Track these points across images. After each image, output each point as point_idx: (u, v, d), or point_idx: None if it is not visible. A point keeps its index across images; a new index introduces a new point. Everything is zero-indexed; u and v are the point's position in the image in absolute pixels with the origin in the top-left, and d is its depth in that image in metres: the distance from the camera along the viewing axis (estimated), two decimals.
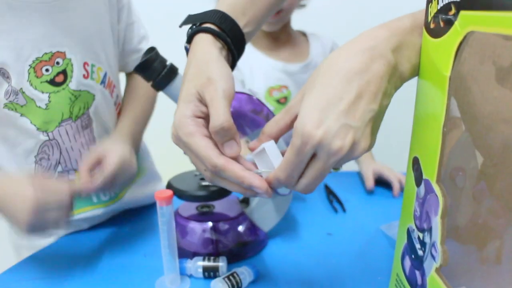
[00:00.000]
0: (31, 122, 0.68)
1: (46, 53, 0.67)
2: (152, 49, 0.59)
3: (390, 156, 1.05)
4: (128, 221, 0.80)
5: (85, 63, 0.72)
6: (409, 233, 0.46)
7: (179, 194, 0.63)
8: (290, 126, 0.44)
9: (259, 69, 1.12)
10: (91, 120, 0.74)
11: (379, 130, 0.42)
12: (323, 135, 0.37)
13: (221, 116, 0.42)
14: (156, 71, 0.58)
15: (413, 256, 0.44)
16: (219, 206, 0.69)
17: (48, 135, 0.70)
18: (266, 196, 0.43)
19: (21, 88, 0.66)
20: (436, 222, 0.38)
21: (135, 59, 0.85)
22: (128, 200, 0.83)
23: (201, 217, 0.67)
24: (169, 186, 0.64)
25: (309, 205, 0.83)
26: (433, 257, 0.39)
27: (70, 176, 0.74)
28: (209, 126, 0.43)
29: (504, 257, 0.39)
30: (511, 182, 0.37)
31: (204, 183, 0.65)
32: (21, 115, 0.67)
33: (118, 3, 0.80)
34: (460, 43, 0.34)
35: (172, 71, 0.59)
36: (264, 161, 0.45)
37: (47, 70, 0.68)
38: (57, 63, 0.68)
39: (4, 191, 0.60)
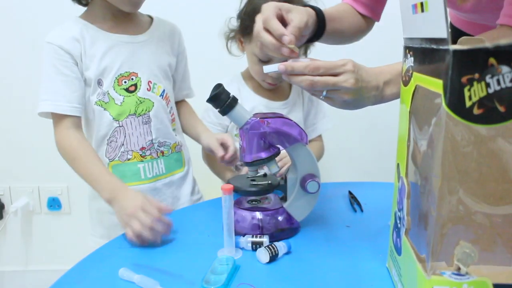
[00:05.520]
0: (109, 114, 1.10)
1: (126, 71, 1.11)
2: (219, 85, 0.84)
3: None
4: (194, 215, 1.05)
5: (149, 81, 1.14)
6: (395, 214, 0.67)
7: (236, 189, 0.86)
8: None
9: (247, 104, 1.31)
10: (150, 119, 1.14)
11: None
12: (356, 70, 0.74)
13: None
14: (222, 101, 0.82)
15: (396, 229, 0.66)
16: (264, 200, 0.92)
17: (119, 123, 1.11)
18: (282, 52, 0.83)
19: (107, 91, 1.09)
20: (404, 202, 0.60)
21: (184, 94, 1.32)
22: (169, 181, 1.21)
23: (250, 208, 0.90)
24: (228, 183, 0.88)
25: (333, 204, 1.05)
26: (403, 225, 0.61)
27: (128, 155, 1.13)
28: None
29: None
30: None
31: (253, 183, 0.89)
32: (104, 109, 1.10)
33: (179, 54, 1.26)
34: (414, 91, 0.56)
35: (234, 101, 0.83)
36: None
37: (125, 82, 1.11)
38: (132, 78, 1.12)
39: (119, 186, 0.92)
